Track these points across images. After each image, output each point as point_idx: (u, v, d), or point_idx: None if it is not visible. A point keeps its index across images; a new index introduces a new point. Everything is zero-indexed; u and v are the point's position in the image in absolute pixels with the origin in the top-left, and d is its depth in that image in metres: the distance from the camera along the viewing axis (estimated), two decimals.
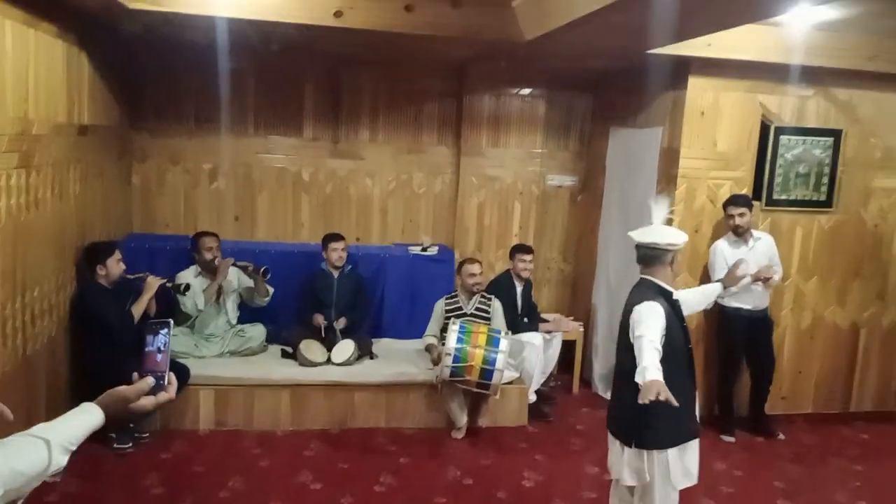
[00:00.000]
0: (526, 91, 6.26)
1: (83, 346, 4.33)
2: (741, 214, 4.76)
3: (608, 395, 5.61)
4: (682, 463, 3.08)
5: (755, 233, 4.87)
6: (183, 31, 4.67)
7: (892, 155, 5.20)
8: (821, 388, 5.43)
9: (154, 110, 5.80)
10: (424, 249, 5.98)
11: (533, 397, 5.23)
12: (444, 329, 4.91)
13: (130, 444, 4.27)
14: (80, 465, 3.62)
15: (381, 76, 6.06)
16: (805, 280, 5.26)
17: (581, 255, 6.51)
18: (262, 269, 5.02)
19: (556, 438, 4.93)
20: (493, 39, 4.41)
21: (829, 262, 5.27)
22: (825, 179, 5.11)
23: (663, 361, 2.79)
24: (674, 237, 3.14)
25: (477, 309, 5.13)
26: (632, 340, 2.92)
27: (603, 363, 5.84)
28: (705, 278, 4.96)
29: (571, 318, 5.92)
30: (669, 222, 3.61)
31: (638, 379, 2.70)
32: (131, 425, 4.25)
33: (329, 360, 5.01)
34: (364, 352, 5.19)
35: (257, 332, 5.23)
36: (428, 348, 5.06)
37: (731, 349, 5.00)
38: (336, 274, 5.34)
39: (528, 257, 5.44)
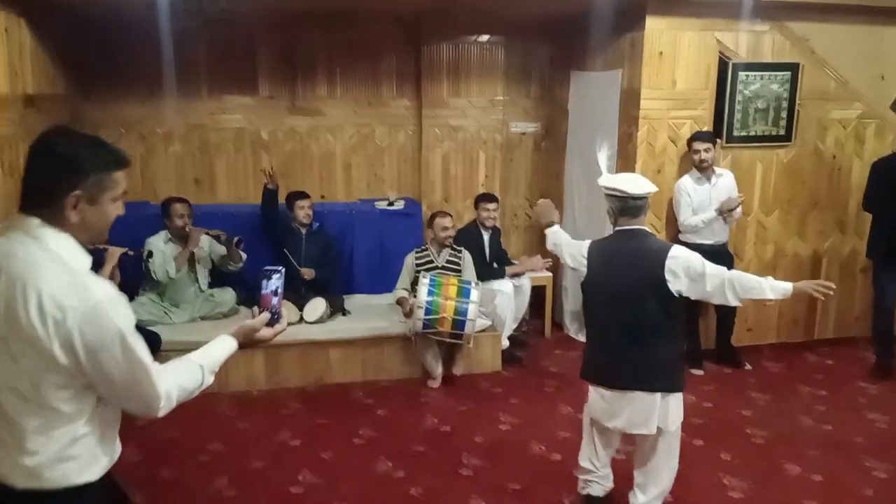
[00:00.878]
0: (484, 38, 6.18)
1: None
2: (707, 150, 4.81)
3: (580, 337, 5.76)
4: None
5: (717, 169, 4.93)
6: None
7: (847, 86, 5.26)
8: (785, 318, 5.57)
9: (103, 77, 5.62)
10: (391, 204, 5.95)
11: (506, 343, 5.31)
12: (414, 282, 4.93)
13: None
14: None
15: (335, 29, 5.93)
16: (766, 214, 5.35)
17: None
18: (235, 240, 4.97)
19: (530, 382, 5.02)
20: None
21: (789, 195, 5.36)
22: (784, 114, 5.16)
23: (681, 306, 2.99)
24: (649, 184, 3.11)
25: (447, 261, 5.15)
26: (681, 289, 2.94)
27: (573, 305, 5.93)
28: (670, 216, 5.03)
29: (547, 262, 5.83)
30: (609, 168, 3.59)
31: (778, 295, 2.91)
32: None
33: (302, 319, 5.01)
34: (336, 309, 5.20)
35: (227, 296, 5.20)
36: (399, 301, 5.08)
37: None
38: (304, 231, 5.30)
39: (492, 206, 5.45)
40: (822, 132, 5.31)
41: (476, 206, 5.54)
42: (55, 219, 1.62)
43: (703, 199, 4.87)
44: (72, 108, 5.37)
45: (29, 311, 1.53)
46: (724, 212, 4.74)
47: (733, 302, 3.00)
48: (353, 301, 5.46)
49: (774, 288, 2.94)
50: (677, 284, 2.96)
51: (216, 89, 5.88)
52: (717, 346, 5.29)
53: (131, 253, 4.65)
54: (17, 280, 1.56)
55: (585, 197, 5.73)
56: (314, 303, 5.08)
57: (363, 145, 6.21)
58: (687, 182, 4.91)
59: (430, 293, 4.64)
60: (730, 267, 5.02)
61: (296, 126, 6.06)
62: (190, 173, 5.93)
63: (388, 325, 5.02)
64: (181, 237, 4.99)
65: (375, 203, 6.01)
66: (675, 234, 5.02)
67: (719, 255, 5.03)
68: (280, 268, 2.06)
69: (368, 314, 5.19)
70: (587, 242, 3.24)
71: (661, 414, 3.05)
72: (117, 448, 1.79)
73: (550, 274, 5.96)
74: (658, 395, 3.03)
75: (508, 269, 5.44)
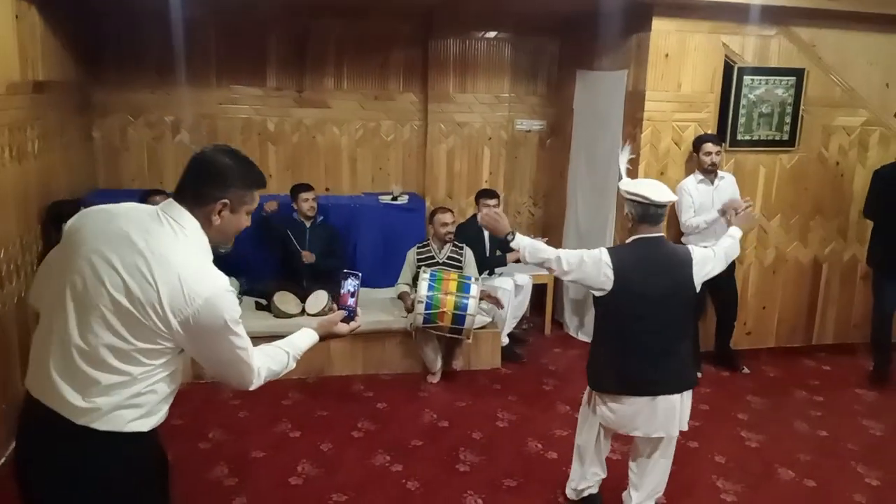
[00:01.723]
0: (492, 35, 6.20)
1: None
2: (717, 153, 4.83)
3: (580, 335, 5.81)
4: None
5: (720, 172, 4.95)
6: None
7: (852, 93, 5.27)
8: (784, 323, 5.60)
9: (113, 64, 5.66)
10: (395, 198, 5.98)
11: (506, 340, 5.35)
12: (416, 277, 4.97)
13: None
14: None
15: (344, 23, 5.95)
16: (768, 218, 5.37)
17: (551, 199, 6.57)
18: None
19: (528, 379, 5.06)
20: None
21: (792, 200, 5.38)
22: (788, 119, 5.18)
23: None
24: (669, 193, 3.14)
25: (449, 258, 5.18)
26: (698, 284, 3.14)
27: (574, 304, 5.97)
28: (672, 218, 5.05)
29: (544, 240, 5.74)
30: (628, 171, 3.61)
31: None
32: None
33: (304, 311, 5.06)
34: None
35: (231, 285, 5.23)
36: (401, 296, 5.12)
37: None
38: (308, 224, 5.34)
39: (492, 202, 5.47)
40: (825, 138, 5.32)
41: (477, 201, 5.56)
42: (200, 217, 1.90)
43: (704, 200, 4.88)
44: (81, 95, 5.40)
45: (159, 287, 1.77)
46: (727, 212, 4.74)
47: None
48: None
49: (736, 238, 3.46)
50: (698, 286, 3.15)
51: (225, 79, 5.91)
52: (716, 349, 5.33)
53: None
54: (153, 256, 1.79)
55: (589, 196, 5.76)
56: (316, 295, 5.11)
57: (369, 139, 6.24)
58: (690, 183, 4.94)
59: (430, 288, 4.67)
60: (731, 271, 5.11)
61: (303, 118, 6.09)
62: None
63: (390, 319, 5.06)
64: None
65: (379, 197, 6.04)
66: (676, 235, 5.04)
67: None
68: (358, 272, 2.33)
69: (370, 307, 5.22)
70: (602, 254, 3.08)
71: (680, 416, 3.12)
72: (167, 410, 1.97)
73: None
74: (680, 396, 3.10)
75: (509, 256, 5.45)
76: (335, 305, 2.29)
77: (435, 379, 4.97)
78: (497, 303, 5.10)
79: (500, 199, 5.83)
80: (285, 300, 5.04)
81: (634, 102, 5.06)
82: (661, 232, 3.13)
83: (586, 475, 3.42)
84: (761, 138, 5.19)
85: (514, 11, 5.93)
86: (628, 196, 3.08)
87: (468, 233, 5.42)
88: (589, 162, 5.76)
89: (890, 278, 4.94)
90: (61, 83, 4.85)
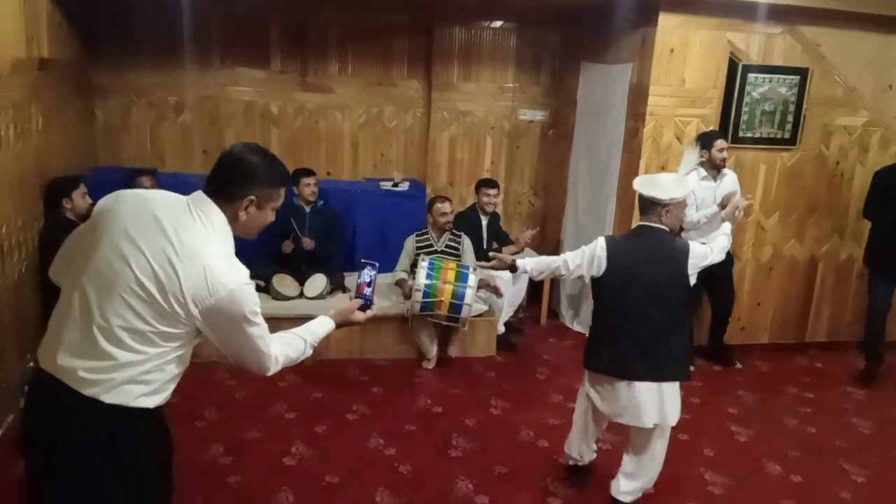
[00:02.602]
0: (497, 24, 6.20)
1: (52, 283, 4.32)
2: (729, 149, 4.85)
3: (575, 326, 5.85)
4: None
5: (723, 169, 4.96)
6: None
7: (854, 94, 5.28)
8: (778, 320, 5.64)
9: (116, 44, 5.66)
10: (396, 185, 6.00)
11: (501, 329, 5.39)
12: (414, 265, 5.00)
13: None
14: None
15: (349, 7, 5.95)
16: (766, 216, 5.40)
17: (551, 190, 6.60)
18: None
19: (523, 368, 5.11)
20: None
21: (790, 198, 5.40)
22: (790, 118, 5.19)
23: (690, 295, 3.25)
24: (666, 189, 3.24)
25: (447, 246, 5.21)
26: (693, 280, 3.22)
27: (570, 295, 6.00)
28: None
29: (534, 230, 5.70)
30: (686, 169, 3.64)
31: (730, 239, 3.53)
32: None
33: (302, 294, 5.09)
34: (336, 286, 5.28)
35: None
36: (399, 283, 5.16)
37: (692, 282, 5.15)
38: (308, 209, 5.36)
39: (492, 191, 5.50)
40: (826, 138, 5.34)
41: (477, 190, 5.59)
42: (227, 211, 1.98)
43: (706, 196, 4.89)
44: (83, 74, 5.41)
45: (184, 276, 1.84)
46: (726, 205, 4.77)
47: None
48: (353, 279, 5.49)
49: (728, 232, 3.60)
50: (693, 280, 3.22)
51: (228, 61, 5.92)
52: (709, 343, 5.37)
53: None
54: (182, 246, 1.86)
55: (588, 188, 5.78)
56: (315, 279, 5.16)
57: (371, 125, 6.26)
58: (692, 179, 4.94)
59: (428, 276, 4.71)
60: (730, 268, 5.14)
61: (305, 102, 6.10)
62: (198, 144, 5.98)
63: (388, 305, 5.09)
64: None
65: (380, 183, 6.06)
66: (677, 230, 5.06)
67: None
68: (375, 262, 2.43)
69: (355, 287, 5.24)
70: (599, 244, 3.22)
71: (661, 407, 3.17)
72: (172, 391, 2.03)
73: None
74: (663, 385, 3.15)
75: (505, 250, 5.47)
76: (352, 294, 2.38)
77: (430, 365, 5.02)
78: (496, 291, 5.14)
79: (501, 188, 5.86)
80: (284, 283, 5.08)
81: (638, 96, 5.07)
82: (656, 223, 3.19)
83: (576, 446, 3.56)
84: (763, 136, 5.21)
85: (519, 1, 5.92)
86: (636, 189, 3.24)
87: (467, 222, 5.44)
88: (590, 154, 5.77)
89: (885, 278, 4.98)
90: (64, 62, 4.85)
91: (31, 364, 1.96)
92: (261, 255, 5.38)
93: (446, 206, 5.19)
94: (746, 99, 5.10)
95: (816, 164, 5.38)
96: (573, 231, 5.98)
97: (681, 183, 3.23)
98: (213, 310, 1.88)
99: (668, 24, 4.85)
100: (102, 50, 5.61)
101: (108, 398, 1.86)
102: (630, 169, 5.12)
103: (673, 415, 3.22)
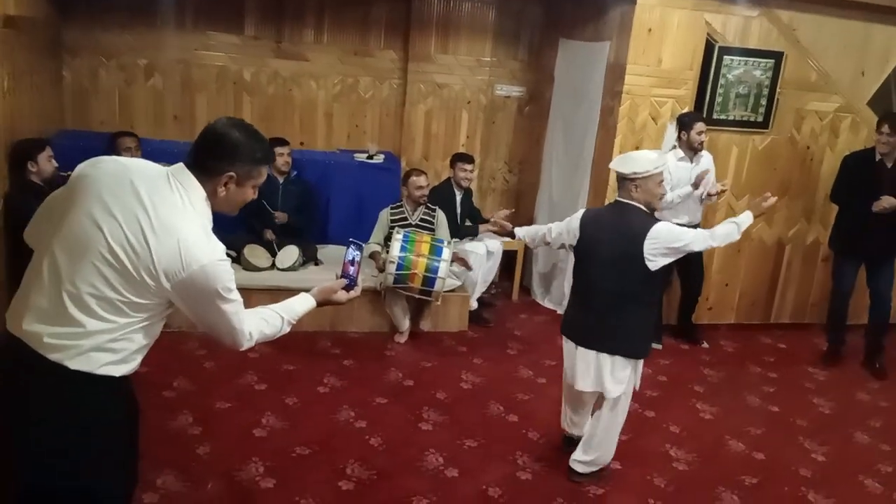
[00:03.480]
0: None
1: (19, 248, 4.22)
2: (707, 132, 4.87)
3: (546, 303, 5.90)
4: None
5: (700, 152, 4.99)
6: None
7: (827, 79, 5.34)
8: (745, 301, 5.74)
9: (85, 2, 5.47)
10: (370, 157, 5.95)
11: (474, 304, 5.41)
12: (388, 238, 4.97)
13: None
14: None
15: None
16: (737, 198, 5.46)
17: (526, 167, 6.59)
18: None
19: (494, 343, 5.14)
20: None
21: (761, 181, 5.45)
22: (763, 101, 5.24)
23: (659, 276, 3.19)
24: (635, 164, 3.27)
25: (421, 220, 5.19)
26: (661, 259, 3.16)
27: (542, 271, 6.04)
28: None
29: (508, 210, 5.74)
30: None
31: (740, 235, 3.35)
32: None
33: (273, 266, 5.05)
34: (309, 257, 5.24)
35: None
36: (372, 255, 5.13)
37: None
38: (281, 180, 5.30)
39: (468, 167, 5.49)
40: (798, 122, 5.40)
41: (452, 165, 5.56)
42: (207, 187, 1.95)
43: (682, 176, 4.91)
44: (52, 33, 5.24)
45: (157, 248, 1.82)
46: (699, 185, 4.82)
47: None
48: (326, 251, 5.49)
49: (742, 226, 3.38)
50: (657, 263, 3.17)
51: (201, 24, 5.78)
52: (678, 322, 5.45)
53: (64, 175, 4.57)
54: (157, 218, 1.83)
55: (564, 166, 5.79)
56: (287, 250, 5.11)
57: (346, 95, 6.18)
58: (669, 160, 4.97)
59: (402, 249, 4.69)
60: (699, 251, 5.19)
61: (279, 69, 6.00)
62: (169, 109, 5.86)
63: (360, 278, 5.06)
64: None
65: (355, 155, 6.00)
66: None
67: None
68: (361, 242, 2.41)
69: (340, 265, 5.21)
70: (578, 213, 3.42)
71: (598, 376, 3.27)
72: (140, 361, 2.01)
73: None
74: (601, 356, 3.24)
75: (481, 228, 5.48)
76: (338, 272, 2.37)
77: (402, 339, 5.02)
78: (465, 264, 5.15)
79: (476, 164, 5.84)
80: (255, 254, 5.03)
81: (615, 75, 5.07)
82: (631, 200, 3.23)
83: (565, 416, 3.68)
84: (736, 118, 5.25)
85: None
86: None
87: (441, 197, 5.42)
88: (566, 131, 5.77)
89: (849, 262, 5.08)
90: (31, 20, 4.69)
91: None
92: (232, 226, 5.31)
93: (422, 180, 5.15)
94: (721, 81, 5.13)
95: (787, 147, 5.45)
96: (547, 208, 5.99)
97: (651, 159, 3.24)
98: (185, 283, 1.86)
99: (647, 3, 4.85)
100: (73, 7, 5.43)
101: (73, 364, 1.84)
102: (605, 147, 5.14)
103: (614, 386, 3.29)
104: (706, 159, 5.02)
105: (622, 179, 3.25)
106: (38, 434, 1.87)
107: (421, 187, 5.13)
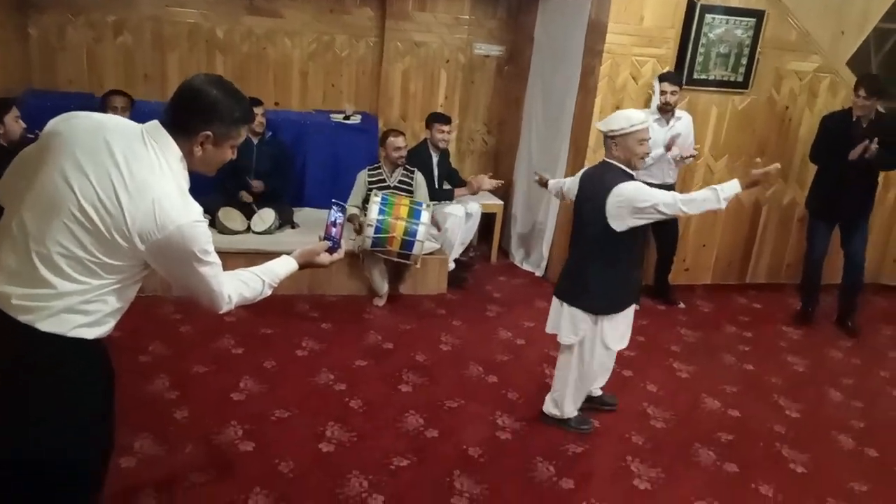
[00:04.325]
0: None
1: None
2: (673, 92, 4.82)
3: (525, 265, 5.90)
4: (618, 327, 3.46)
5: (677, 112, 4.96)
6: None
7: (808, 38, 5.31)
8: (721, 261, 5.78)
9: None
10: (347, 118, 5.85)
11: (452, 266, 5.39)
12: (366, 200, 4.91)
13: None
14: None
15: None
16: (716, 159, 5.46)
17: (505, 128, 6.52)
18: None
19: (473, 305, 5.14)
20: None
21: (739, 142, 5.47)
22: (744, 60, 5.20)
23: (626, 238, 3.20)
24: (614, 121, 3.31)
25: (400, 182, 5.13)
26: (630, 219, 3.15)
27: (520, 234, 6.03)
28: None
29: (490, 174, 5.70)
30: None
31: (721, 203, 3.14)
32: None
33: (249, 229, 4.98)
34: (285, 220, 5.17)
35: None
36: (350, 218, 5.06)
37: None
38: (256, 141, 5.19)
39: (446, 127, 5.41)
40: (777, 82, 5.38)
41: (429, 125, 5.46)
42: (183, 146, 1.89)
43: (657, 138, 4.88)
44: None
45: (130, 207, 1.76)
46: (671, 147, 4.81)
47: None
48: (302, 214, 5.42)
49: (724, 194, 3.17)
50: (620, 222, 3.16)
51: None
52: (655, 282, 5.48)
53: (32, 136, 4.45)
54: (131, 177, 1.78)
55: (543, 128, 5.74)
56: (263, 213, 5.04)
57: (322, 53, 6.04)
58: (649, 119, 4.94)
59: (380, 212, 4.64)
60: None
61: (253, 27, 5.84)
62: (140, 68, 5.70)
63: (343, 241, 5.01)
64: None
65: (331, 115, 5.90)
66: None
67: None
68: (343, 204, 2.41)
69: (317, 228, 5.04)
70: (582, 170, 3.60)
71: (557, 322, 3.46)
72: (113, 325, 1.96)
73: (501, 202, 6.02)
74: (567, 306, 3.40)
75: (457, 192, 5.43)
76: (321, 234, 2.34)
77: (381, 302, 5.00)
78: (437, 227, 5.13)
79: (455, 125, 5.76)
80: (230, 216, 4.95)
81: (595, 34, 5.00)
82: (611, 158, 3.30)
83: None
84: (716, 78, 5.22)
85: None
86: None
87: (417, 158, 5.35)
88: (545, 92, 5.71)
89: (825, 222, 5.12)
90: None
91: None
92: (206, 188, 5.22)
93: (400, 141, 5.08)
94: (703, 40, 5.09)
95: (766, 108, 5.44)
96: (526, 170, 5.95)
97: (627, 116, 3.23)
98: (161, 245, 1.81)
99: None
100: None
101: (44, 326, 1.79)
102: (585, 108, 5.09)
103: (563, 332, 3.45)
104: (684, 121, 4.99)
105: (605, 138, 3.30)
106: (12, 397, 1.83)
107: (399, 148, 5.06)
